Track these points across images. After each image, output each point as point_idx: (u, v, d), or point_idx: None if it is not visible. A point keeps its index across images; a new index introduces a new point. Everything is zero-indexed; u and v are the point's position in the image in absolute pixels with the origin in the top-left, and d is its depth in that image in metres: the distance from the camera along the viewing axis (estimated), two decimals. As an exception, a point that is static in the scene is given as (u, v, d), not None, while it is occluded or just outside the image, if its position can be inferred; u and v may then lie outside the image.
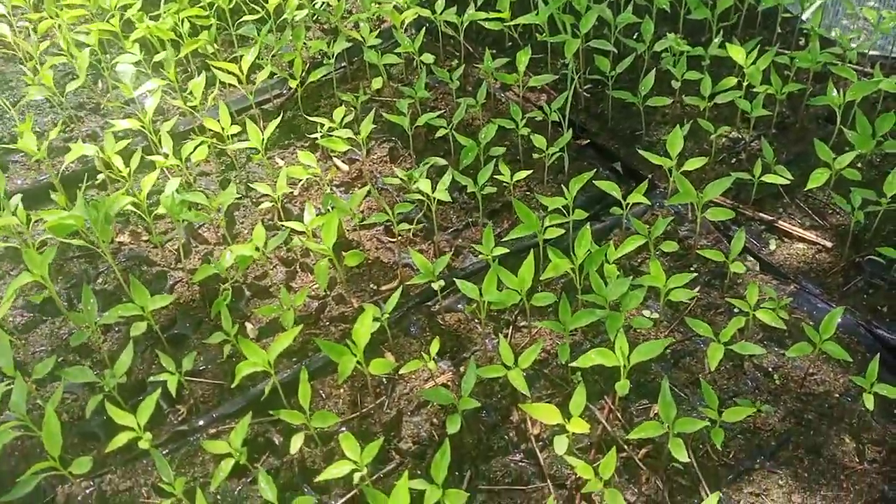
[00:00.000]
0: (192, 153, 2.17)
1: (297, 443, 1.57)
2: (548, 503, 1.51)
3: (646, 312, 1.95)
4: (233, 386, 1.64)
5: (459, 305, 2.02)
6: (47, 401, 1.79)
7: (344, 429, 1.73)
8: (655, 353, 1.57)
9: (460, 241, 2.21)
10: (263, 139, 2.21)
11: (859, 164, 2.28)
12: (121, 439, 1.52)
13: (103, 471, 1.66)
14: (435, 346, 1.79)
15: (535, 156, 2.35)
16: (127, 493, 1.62)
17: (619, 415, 1.72)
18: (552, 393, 1.78)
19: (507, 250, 1.95)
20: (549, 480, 1.60)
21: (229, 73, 2.44)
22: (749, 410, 1.52)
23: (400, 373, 1.78)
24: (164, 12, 2.76)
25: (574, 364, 1.62)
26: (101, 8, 2.88)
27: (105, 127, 2.64)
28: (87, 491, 1.62)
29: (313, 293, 2.07)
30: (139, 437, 1.53)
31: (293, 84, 2.49)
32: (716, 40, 2.54)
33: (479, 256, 2.09)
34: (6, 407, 1.76)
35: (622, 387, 1.59)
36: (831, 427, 1.64)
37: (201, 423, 1.74)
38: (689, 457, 1.50)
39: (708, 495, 1.54)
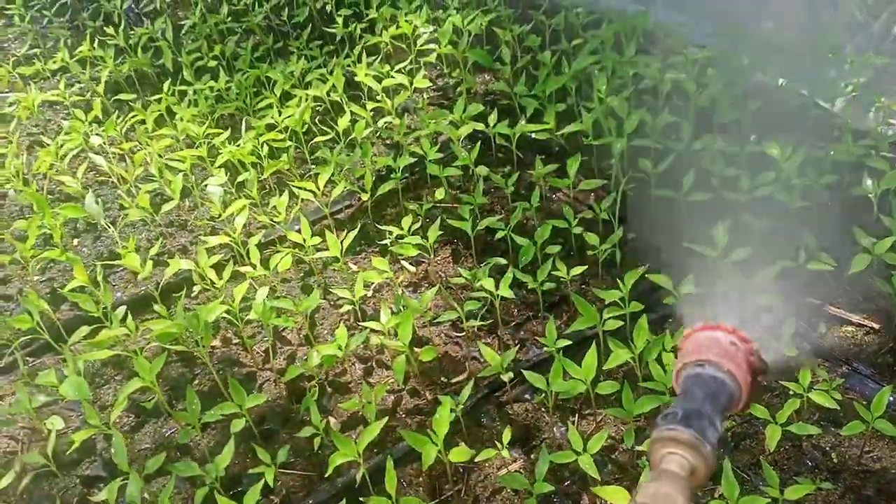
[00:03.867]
0: (279, 263, 2.42)
1: (387, 526, 1.71)
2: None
3: (704, 397, 2.05)
4: (326, 476, 1.80)
5: (526, 395, 2.16)
6: (154, 494, 1.97)
7: (427, 514, 1.86)
8: (716, 435, 1.69)
9: (523, 333, 2.37)
10: (342, 248, 2.44)
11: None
12: (231, 526, 1.69)
13: (209, 559, 1.81)
14: (507, 436, 1.93)
15: (589, 252, 2.52)
16: (232, 580, 1.77)
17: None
18: (620, 477, 1.88)
19: (570, 342, 2.10)
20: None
21: (308, 190, 2.71)
22: (809, 488, 1.62)
23: (475, 461, 1.92)
24: (245, 138, 3.09)
25: (640, 448, 1.74)
26: (189, 136, 3.22)
27: (194, 241, 2.92)
28: (197, 578, 1.77)
29: (389, 387, 2.24)
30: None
31: (364, 196, 2.74)
32: (752, 139, 2.73)
33: (544, 349, 2.24)
34: (119, 500, 1.95)
35: (686, 467, 1.70)
36: (891, 502, 1.71)
37: (295, 512, 1.90)
38: (755, 533, 1.59)
39: (777, 571, 1.61)
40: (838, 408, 1.83)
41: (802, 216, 2.55)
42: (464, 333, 2.40)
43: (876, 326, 2.18)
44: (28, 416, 2.16)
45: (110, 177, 3.20)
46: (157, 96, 3.56)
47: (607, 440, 1.96)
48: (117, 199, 3.17)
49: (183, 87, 3.65)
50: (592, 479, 1.76)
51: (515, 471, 1.95)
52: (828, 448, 1.87)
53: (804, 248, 2.28)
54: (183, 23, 4.43)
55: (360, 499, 1.82)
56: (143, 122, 3.39)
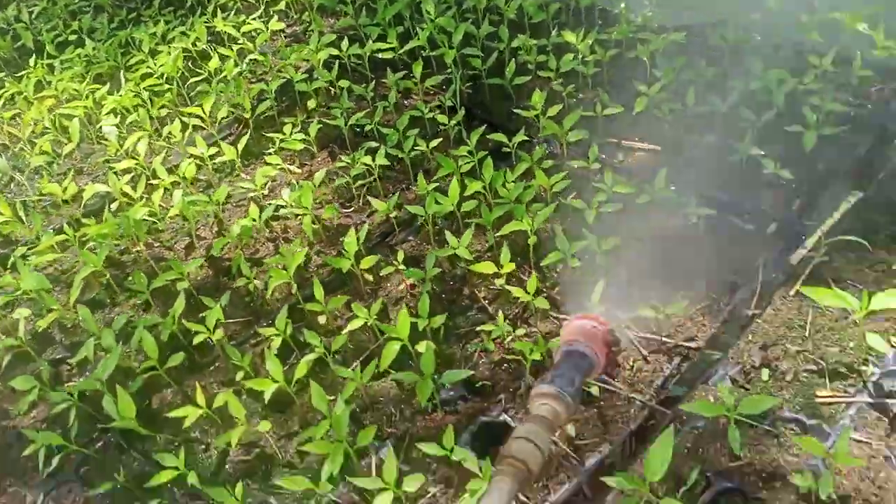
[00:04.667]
0: (185, 170, 2.85)
1: (322, 319, 2.23)
2: (498, 318, 2.21)
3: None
4: (268, 295, 2.29)
5: (410, 237, 2.73)
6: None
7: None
8: (548, 213, 2.36)
9: (398, 201, 2.94)
10: (238, 152, 2.91)
11: (665, 90, 3.14)
12: (199, 337, 2.16)
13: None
14: (400, 255, 2.50)
15: (441, 128, 3.12)
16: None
17: (531, 266, 2.46)
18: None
19: (437, 185, 2.69)
20: (496, 319, 2.31)
21: (196, 116, 3.13)
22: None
23: (381, 282, 2.48)
24: (126, 88, 3.45)
25: (499, 233, 2.37)
26: (70, 95, 3.53)
27: (96, 180, 3.26)
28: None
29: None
30: (210, 336, 2.17)
31: (247, 115, 3.20)
32: (553, 32, 3.43)
33: (419, 192, 2.79)
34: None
35: (532, 240, 2.35)
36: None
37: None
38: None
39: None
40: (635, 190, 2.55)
41: (596, 80, 3.29)
42: (353, 208, 2.93)
43: (658, 148, 2.92)
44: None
45: None
46: (24, 72, 3.81)
47: (473, 250, 2.56)
48: (10, 160, 3.44)
49: (50, 61, 3.92)
50: (467, 261, 2.37)
51: (411, 284, 2.52)
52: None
53: (600, 102, 3.00)
54: (32, 9, 4.63)
55: (299, 306, 2.34)
56: (19, 93, 3.65)
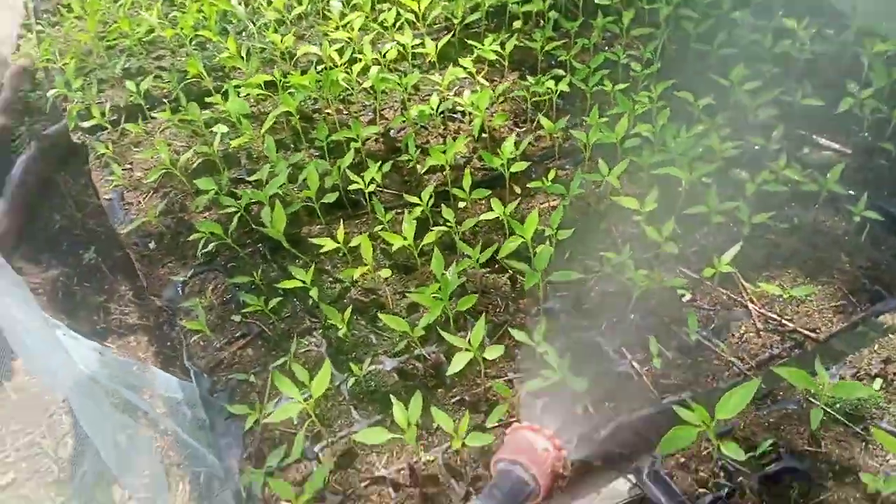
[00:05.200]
0: (387, 52, 3.10)
1: (462, 205, 2.41)
2: (623, 251, 2.27)
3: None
4: (422, 171, 2.50)
5: (567, 165, 2.82)
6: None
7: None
8: (709, 170, 2.35)
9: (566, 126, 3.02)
10: (437, 48, 3.12)
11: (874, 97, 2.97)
12: (354, 186, 2.40)
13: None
14: (552, 174, 2.60)
15: (632, 74, 3.14)
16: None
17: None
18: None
19: (606, 119, 2.75)
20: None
21: (411, 11, 3.37)
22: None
23: (527, 188, 2.60)
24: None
25: (653, 172, 2.40)
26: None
27: (309, 51, 3.61)
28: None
29: (465, 147, 2.90)
30: (363, 188, 2.41)
31: (455, 21, 3.40)
32: (780, 13, 3.32)
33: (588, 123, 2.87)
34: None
35: (683, 189, 2.36)
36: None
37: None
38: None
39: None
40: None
41: (805, 69, 3.16)
42: (524, 128, 3.05)
43: (848, 151, 2.79)
44: (193, 127, 2.90)
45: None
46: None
47: (622, 191, 2.61)
48: (248, 13, 3.87)
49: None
50: (613, 190, 2.44)
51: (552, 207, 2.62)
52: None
53: (801, 90, 2.90)
54: None
55: (446, 190, 2.53)
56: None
